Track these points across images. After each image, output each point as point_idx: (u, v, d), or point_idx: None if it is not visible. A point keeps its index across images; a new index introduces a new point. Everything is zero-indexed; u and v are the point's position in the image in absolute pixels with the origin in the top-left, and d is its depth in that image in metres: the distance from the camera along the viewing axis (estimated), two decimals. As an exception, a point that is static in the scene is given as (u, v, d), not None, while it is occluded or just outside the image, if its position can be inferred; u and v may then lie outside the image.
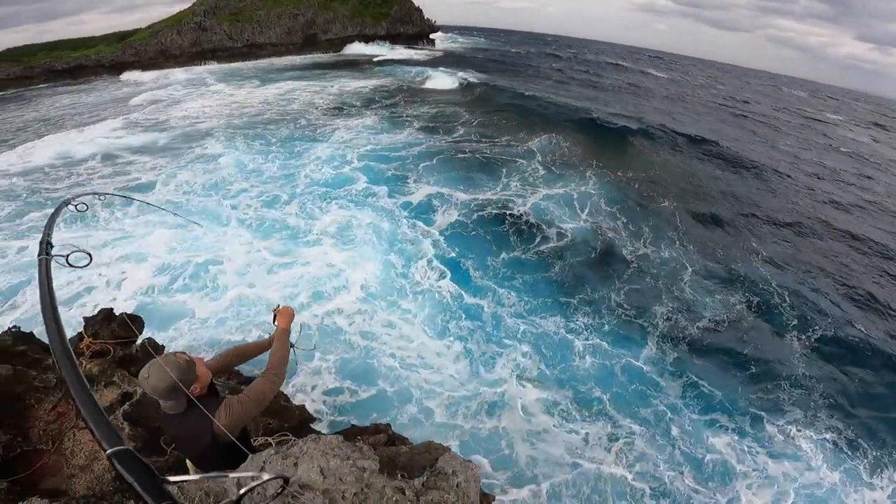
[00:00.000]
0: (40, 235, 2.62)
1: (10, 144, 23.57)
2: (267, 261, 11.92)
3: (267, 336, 3.08)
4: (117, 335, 5.90)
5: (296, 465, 1.65)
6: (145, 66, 60.17)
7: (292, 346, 3.08)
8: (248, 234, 13.19)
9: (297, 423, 4.46)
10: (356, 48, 73.48)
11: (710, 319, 11.73)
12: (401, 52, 71.63)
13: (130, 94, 38.01)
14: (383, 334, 9.66)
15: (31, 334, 5.93)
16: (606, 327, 10.91)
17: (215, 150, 20.52)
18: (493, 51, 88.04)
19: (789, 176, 25.15)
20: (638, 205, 17.94)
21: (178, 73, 53.49)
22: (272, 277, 11.24)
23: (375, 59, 61.12)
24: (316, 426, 4.66)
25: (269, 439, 3.67)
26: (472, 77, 44.09)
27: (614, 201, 17.71)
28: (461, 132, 25.31)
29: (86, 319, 6.00)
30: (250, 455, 1.88)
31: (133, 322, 6.13)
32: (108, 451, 1.16)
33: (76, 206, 3.68)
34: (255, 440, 3.57)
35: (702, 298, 12.56)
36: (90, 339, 5.76)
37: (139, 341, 5.98)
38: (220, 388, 2.78)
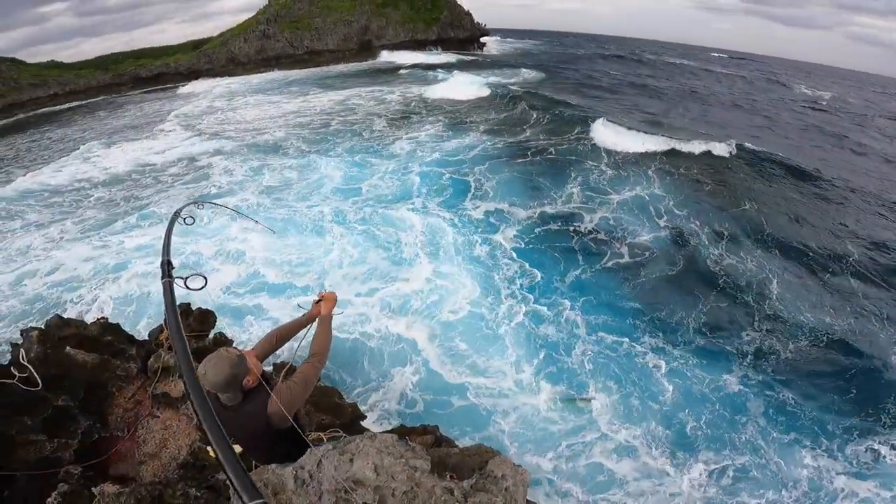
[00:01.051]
0: (159, 256, 2.71)
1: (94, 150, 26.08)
2: (352, 274, 12.37)
3: (302, 314, 3.16)
4: (193, 329, 6.35)
5: (351, 461, 1.79)
6: (217, 74, 64.65)
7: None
8: (336, 247, 13.62)
9: (349, 419, 4.69)
10: (395, 56, 70.35)
11: (800, 338, 10.92)
12: (440, 57, 67.62)
13: (199, 104, 40.93)
14: (458, 353, 9.73)
15: (117, 325, 6.43)
16: (688, 348, 10.35)
17: (282, 161, 21.47)
18: (545, 54, 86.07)
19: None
20: (714, 209, 17.01)
21: (237, 82, 56.35)
22: (353, 289, 11.65)
23: (413, 66, 58.98)
24: (366, 424, 4.88)
25: (322, 434, 3.91)
26: (521, 82, 43.21)
27: (684, 205, 16.95)
28: (526, 134, 25.08)
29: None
30: (310, 447, 2.05)
31: (206, 316, 6.66)
32: None
33: (184, 219, 3.79)
34: (308, 435, 3.80)
35: (791, 315, 11.67)
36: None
37: (211, 335, 6.42)
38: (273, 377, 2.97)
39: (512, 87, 37.24)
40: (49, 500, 3.27)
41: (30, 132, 38.96)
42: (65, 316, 6.11)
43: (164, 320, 6.49)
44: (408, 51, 72.71)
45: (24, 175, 22.21)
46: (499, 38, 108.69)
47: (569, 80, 48.93)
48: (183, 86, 59.00)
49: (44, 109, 53.62)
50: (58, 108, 54.05)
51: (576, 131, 25.32)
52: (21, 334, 5.62)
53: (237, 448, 3.01)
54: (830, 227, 17.12)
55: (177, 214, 3.71)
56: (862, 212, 19.13)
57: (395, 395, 8.40)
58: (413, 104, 34.49)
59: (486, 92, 35.40)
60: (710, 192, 18.71)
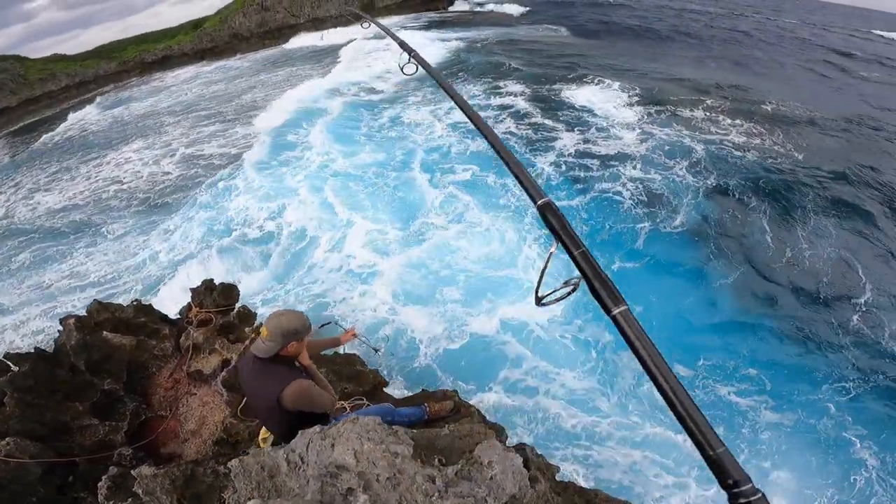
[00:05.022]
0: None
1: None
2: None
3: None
4: (218, 304, 6.44)
5: (332, 446, 1.75)
6: (221, 52, 63.79)
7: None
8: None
9: (371, 386, 4.76)
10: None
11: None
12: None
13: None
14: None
15: (149, 306, 6.56)
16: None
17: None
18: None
19: None
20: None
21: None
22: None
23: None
24: (389, 390, 4.96)
25: (345, 404, 3.98)
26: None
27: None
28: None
29: (192, 290, 6.53)
30: (300, 432, 2.06)
31: (230, 291, 6.74)
32: (538, 203, 1.38)
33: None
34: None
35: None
36: (197, 309, 6.42)
37: (235, 309, 6.50)
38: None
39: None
40: (100, 483, 3.42)
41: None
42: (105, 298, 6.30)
43: (192, 298, 6.64)
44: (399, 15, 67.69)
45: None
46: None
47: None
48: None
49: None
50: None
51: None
52: (60, 323, 5.84)
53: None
54: None
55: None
56: None
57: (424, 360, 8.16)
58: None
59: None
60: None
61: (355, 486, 1.57)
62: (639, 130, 16.23)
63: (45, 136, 35.52)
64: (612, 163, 14.21)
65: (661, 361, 0.98)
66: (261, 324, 6.91)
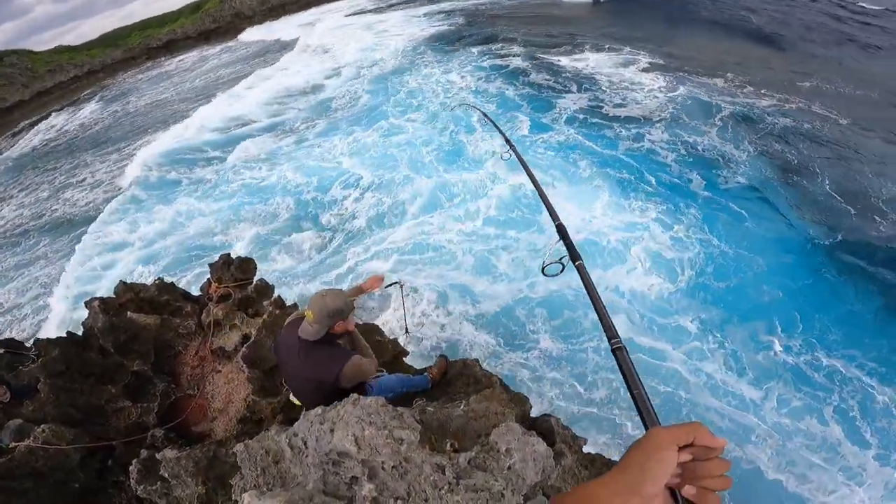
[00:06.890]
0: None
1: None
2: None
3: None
4: (236, 278, 6.33)
5: (332, 431, 1.62)
6: (225, 32, 62.89)
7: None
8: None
9: (391, 357, 4.69)
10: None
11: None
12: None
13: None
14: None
15: (171, 284, 6.52)
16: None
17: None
18: None
19: None
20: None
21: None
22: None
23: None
24: (408, 360, 4.88)
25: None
26: None
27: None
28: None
29: (210, 266, 6.47)
30: (303, 413, 1.97)
31: (247, 265, 6.69)
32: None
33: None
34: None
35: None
36: (216, 285, 6.40)
37: (253, 283, 6.40)
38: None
39: None
40: (131, 468, 3.40)
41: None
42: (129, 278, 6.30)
43: (211, 274, 6.61)
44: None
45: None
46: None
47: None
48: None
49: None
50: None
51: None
52: (85, 305, 5.91)
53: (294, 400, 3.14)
54: None
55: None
56: None
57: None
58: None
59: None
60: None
61: (359, 475, 1.44)
62: (659, 94, 15.49)
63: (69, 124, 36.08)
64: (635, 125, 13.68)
65: (600, 300, 1.48)
66: (278, 296, 6.93)
